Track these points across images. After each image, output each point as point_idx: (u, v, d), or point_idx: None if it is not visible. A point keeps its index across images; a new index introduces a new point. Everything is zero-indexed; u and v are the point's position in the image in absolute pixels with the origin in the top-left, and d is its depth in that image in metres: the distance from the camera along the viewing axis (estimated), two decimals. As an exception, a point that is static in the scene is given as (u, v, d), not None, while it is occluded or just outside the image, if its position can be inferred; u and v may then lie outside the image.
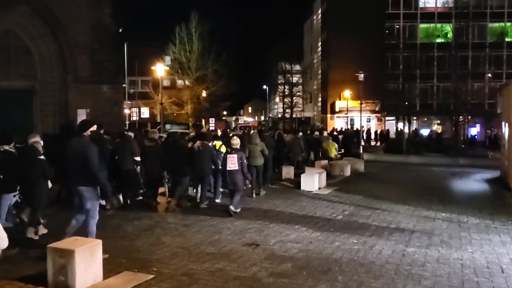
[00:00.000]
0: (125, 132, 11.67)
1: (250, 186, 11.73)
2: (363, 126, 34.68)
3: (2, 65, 17.82)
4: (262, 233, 8.28)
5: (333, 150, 21.12)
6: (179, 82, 36.16)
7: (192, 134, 14.33)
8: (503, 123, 17.82)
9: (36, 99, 19.09)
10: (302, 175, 14.26)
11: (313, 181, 13.87)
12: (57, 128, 19.02)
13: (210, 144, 11.26)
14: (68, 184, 7.02)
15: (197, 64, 29.85)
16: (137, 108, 52.70)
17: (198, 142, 10.93)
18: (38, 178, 7.43)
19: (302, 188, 13.77)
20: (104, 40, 20.07)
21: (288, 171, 16.66)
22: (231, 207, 9.70)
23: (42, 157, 7.61)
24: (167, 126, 42.55)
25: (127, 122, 40.78)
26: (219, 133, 19.58)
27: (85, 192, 6.42)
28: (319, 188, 14.04)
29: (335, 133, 29.07)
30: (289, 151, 17.81)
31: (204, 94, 42.46)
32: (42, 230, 7.89)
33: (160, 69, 24.49)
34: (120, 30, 21.05)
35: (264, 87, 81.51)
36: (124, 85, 21.71)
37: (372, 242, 7.80)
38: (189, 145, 11.28)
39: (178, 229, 8.55)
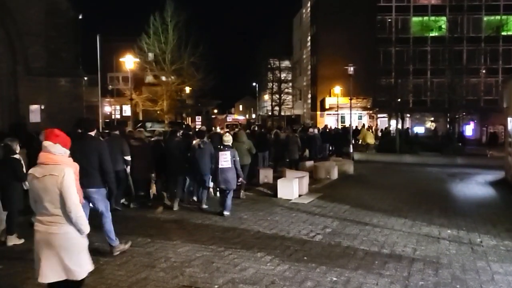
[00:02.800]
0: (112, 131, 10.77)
1: (240, 184, 10.56)
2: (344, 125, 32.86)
3: None
4: (209, 266, 6.11)
5: (370, 138, 22.94)
6: (162, 78, 33.72)
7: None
8: (509, 118, 15.83)
9: (-21, 94, 16.84)
10: (279, 181, 12.12)
11: (291, 187, 11.73)
12: (6, 126, 16.73)
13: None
14: None
15: (173, 57, 27.61)
16: (119, 106, 50.30)
17: (197, 140, 10.29)
18: (9, 179, 6.87)
19: (279, 195, 11.65)
20: (61, 27, 17.81)
21: (266, 175, 14.54)
22: (226, 212, 9.26)
23: (17, 156, 7.11)
24: (148, 124, 40.25)
25: (105, 121, 38.41)
26: (218, 130, 19.52)
27: (96, 194, 6.33)
28: (299, 195, 11.93)
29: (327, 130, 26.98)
30: (285, 149, 16.92)
31: (187, 90, 40.13)
32: (16, 240, 7.08)
33: (129, 62, 22.28)
34: (81, 17, 18.65)
35: (254, 84, 79.38)
36: (85, 78, 19.33)
37: (358, 281, 5.65)
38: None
39: (99, 260, 6.34)
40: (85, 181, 5.87)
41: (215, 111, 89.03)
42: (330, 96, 48.82)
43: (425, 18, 47.97)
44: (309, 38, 57.50)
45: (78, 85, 18.58)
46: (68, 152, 4.03)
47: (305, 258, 6.61)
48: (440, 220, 9.49)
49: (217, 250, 6.88)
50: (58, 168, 3.84)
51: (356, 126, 38.42)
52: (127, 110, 52.30)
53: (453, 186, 15.43)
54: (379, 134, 40.84)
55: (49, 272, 3.81)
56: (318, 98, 51.87)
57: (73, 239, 3.89)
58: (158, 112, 37.06)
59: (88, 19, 59.75)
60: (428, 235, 8.22)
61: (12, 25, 16.38)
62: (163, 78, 29.51)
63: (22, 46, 16.73)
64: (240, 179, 9.81)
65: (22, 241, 7.06)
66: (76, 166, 4.03)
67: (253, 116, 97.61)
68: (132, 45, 30.35)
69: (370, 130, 34.72)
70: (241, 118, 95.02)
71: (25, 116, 16.98)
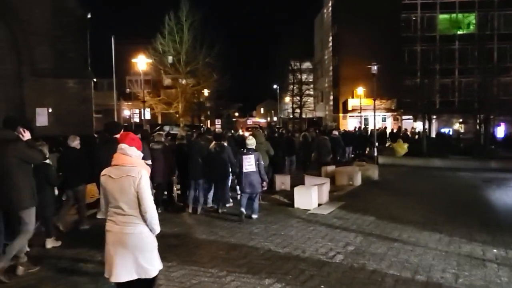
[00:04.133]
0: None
1: (265, 188, 10.03)
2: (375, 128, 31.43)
3: None
4: (204, 298, 5.03)
5: (404, 148, 23.14)
6: (178, 80, 32.95)
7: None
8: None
9: (-16, 95, 16.20)
10: (296, 188, 10.97)
11: (310, 196, 10.56)
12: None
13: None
14: None
15: (188, 57, 26.74)
16: (138, 109, 49.90)
17: (213, 143, 10.29)
18: (41, 184, 6.58)
19: (296, 205, 10.51)
20: (68, 26, 17.09)
21: (283, 181, 13.41)
22: (254, 216, 9.25)
23: (48, 161, 6.97)
24: (166, 128, 39.61)
25: (124, 124, 37.76)
26: (240, 132, 18.98)
27: None
28: (318, 205, 10.76)
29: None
30: (315, 152, 16.78)
31: (206, 93, 39.23)
32: (54, 243, 7.17)
33: (142, 63, 21.50)
34: (89, 16, 17.88)
35: (275, 86, 78.33)
36: (94, 80, 18.50)
37: (388, 322, 4.48)
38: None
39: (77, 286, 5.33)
40: None
41: (236, 114, 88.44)
42: (352, 97, 47.38)
43: (453, 15, 46.08)
44: (331, 38, 56.13)
45: (86, 87, 17.80)
46: (142, 155, 4.16)
47: (322, 287, 5.46)
48: (482, 236, 8.17)
49: (218, 275, 5.79)
50: (135, 170, 3.92)
51: (392, 128, 36.95)
52: (147, 114, 51.94)
53: (491, 194, 13.96)
54: (415, 137, 39.22)
55: (122, 272, 3.87)
56: (341, 99, 50.45)
57: (147, 238, 3.94)
58: (177, 115, 36.40)
59: (105, 21, 59.57)
60: (470, 255, 6.95)
61: (16, 24, 15.72)
62: (179, 80, 28.67)
63: (27, 46, 16.06)
64: (264, 183, 9.52)
65: (59, 243, 7.13)
66: (149, 169, 4.10)
67: (275, 118, 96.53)
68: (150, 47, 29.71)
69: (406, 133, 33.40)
70: (262, 121, 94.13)
71: (31, 119, 16.21)
